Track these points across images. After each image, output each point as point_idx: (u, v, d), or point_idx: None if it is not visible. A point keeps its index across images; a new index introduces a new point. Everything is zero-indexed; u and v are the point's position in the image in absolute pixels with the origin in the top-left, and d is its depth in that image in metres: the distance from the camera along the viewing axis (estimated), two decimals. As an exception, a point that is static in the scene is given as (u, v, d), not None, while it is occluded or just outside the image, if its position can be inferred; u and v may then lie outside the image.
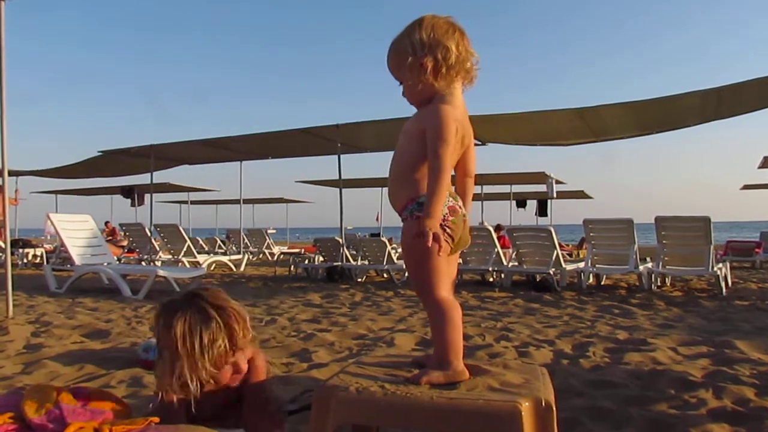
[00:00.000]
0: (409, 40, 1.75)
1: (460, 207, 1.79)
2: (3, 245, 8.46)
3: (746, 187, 17.27)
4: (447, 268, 1.76)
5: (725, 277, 8.10)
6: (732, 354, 3.89)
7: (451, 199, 1.75)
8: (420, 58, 1.73)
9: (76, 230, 8.77)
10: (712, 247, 7.80)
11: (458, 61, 1.75)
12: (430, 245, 1.63)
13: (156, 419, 1.77)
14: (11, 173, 11.68)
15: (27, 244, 14.61)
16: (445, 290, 1.75)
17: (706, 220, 7.78)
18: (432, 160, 1.68)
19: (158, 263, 12.16)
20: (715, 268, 7.71)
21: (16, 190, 15.48)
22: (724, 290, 7.68)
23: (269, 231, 20.84)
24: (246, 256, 14.24)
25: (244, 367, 1.98)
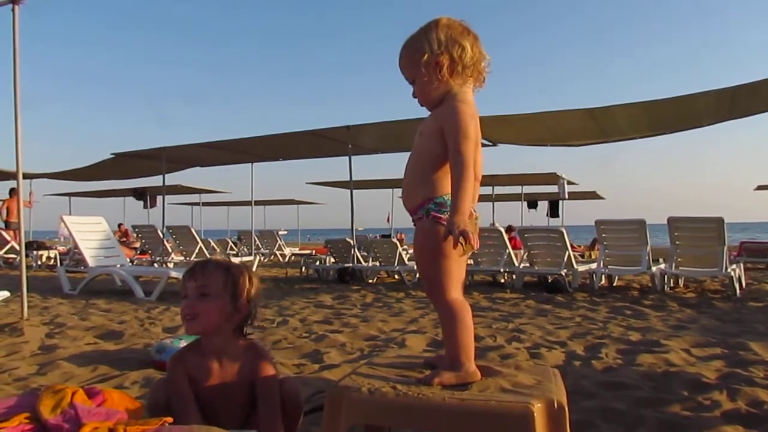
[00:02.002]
0: (426, 38, 1.76)
1: (475, 211, 1.79)
2: (17, 247, 8.54)
3: (760, 187, 17.10)
4: (458, 270, 1.77)
5: (739, 278, 8.04)
6: (746, 356, 3.86)
7: None
8: (436, 55, 1.75)
9: (90, 232, 8.83)
10: (725, 247, 7.74)
11: (473, 61, 1.77)
12: (460, 243, 1.63)
13: (169, 419, 1.78)
14: (25, 176, 11.80)
15: (41, 246, 14.71)
16: (456, 291, 1.75)
17: (720, 221, 7.72)
18: (455, 157, 1.68)
19: (171, 265, 12.21)
20: (729, 269, 7.65)
21: (30, 193, 15.65)
22: (737, 291, 7.61)
23: (280, 232, 20.88)
24: (257, 258, 14.28)
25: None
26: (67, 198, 21.82)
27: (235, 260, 13.41)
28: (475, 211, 1.80)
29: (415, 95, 1.85)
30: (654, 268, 8.22)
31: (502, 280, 9.45)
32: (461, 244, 1.61)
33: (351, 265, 10.37)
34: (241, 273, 2.02)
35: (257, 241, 18.50)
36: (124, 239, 16.27)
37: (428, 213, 1.74)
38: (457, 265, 1.76)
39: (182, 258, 13.09)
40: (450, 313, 1.73)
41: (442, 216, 1.72)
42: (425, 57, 1.75)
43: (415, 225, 1.83)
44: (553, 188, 16.02)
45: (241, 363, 2.02)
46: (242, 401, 2.03)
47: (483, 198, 19.33)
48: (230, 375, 2.00)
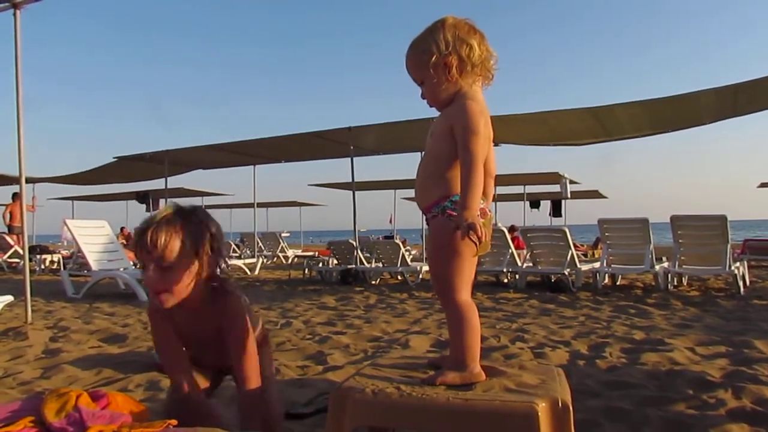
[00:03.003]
0: (433, 39, 1.75)
1: (489, 210, 1.79)
2: (21, 251, 8.56)
3: (763, 185, 17.06)
4: (470, 270, 1.76)
5: (743, 276, 8.02)
6: (751, 354, 3.85)
7: (481, 200, 1.72)
8: (445, 56, 1.74)
9: (93, 236, 8.85)
10: (729, 245, 7.72)
11: (481, 59, 1.77)
12: (466, 245, 1.61)
13: (174, 422, 1.78)
14: (28, 180, 11.80)
15: (44, 250, 14.74)
16: (466, 293, 1.74)
17: (723, 219, 7.70)
18: (464, 154, 1.67)
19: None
20: (733, 267, 7.64)
21: (33, 197, 15.70)
22: (741, 289, 7.60)
23: (283, 234, 20.88)
24: (260, 260, 14.29)
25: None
26: (70, 202, 21.88)
27: (238, 262, 13.44)
28: (489, 211, 1.79)
29: (423, 96, 1.84)
30: (657, 267, 8.21)
31: (506, 280, 9.45)
32: (474, 242, 1.61)
33: (354, 266, 10.37)
34: (195, 225, 1.87)
35: (260, 243, 18.50)
36: (127, 243, 16.29)
37: (444, 210, 1.74)
38: (470, 265, 1.75)
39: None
40: (458, 314, 1.73)
41: None
42: (434, 58, 1.74)
43: (428, 224, 1.82)
44: (555, 188, 16.00)
45: (214, 307, 1.98)
46: (218, 343, 2.01)
47: (488, 198, 19.28)
48: (204, 320, 1.98)
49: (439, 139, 1.78)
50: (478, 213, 1.65)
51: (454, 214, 1.70)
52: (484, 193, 1.78)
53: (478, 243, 1.63)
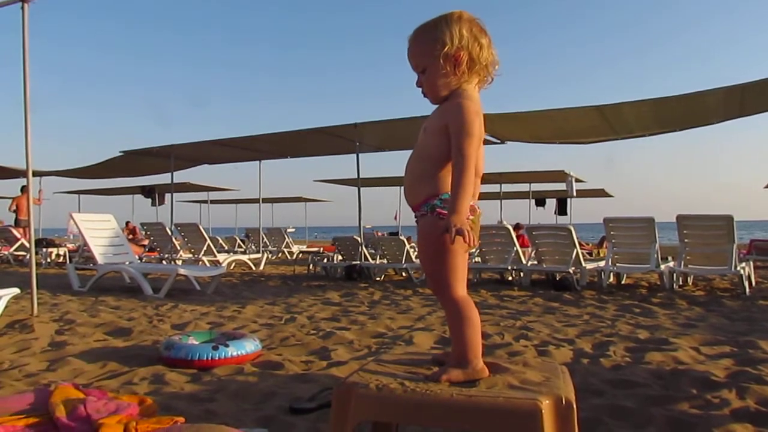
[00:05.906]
0: (448, 29, 1.72)
1: (478, 207, 1.78)
2: (27, 245, 8.59)
3: (770, 185, 16.97)
4: (463, 266, 1.76)
5: (749, 277, 7.99)
6: (755, 354, 3.84)
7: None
8: (457, 50, 1.71)
9: (99, 230, 8.88)
10: (735, 245, 7.69)
11: (486, 62, 1.75)
12: (457, 241, 1.61)
13: (181, 419, 1.79)
14: (35, 174, 11.83)
15: (51, 243, 14.79)
16: (462, 288, 1.74)
17: (729, 219, 7.67)
18: (456, 156, 1.66)
19: (179, 262, 12.26)
20: (738, 267, 7.60)
21: (39, 191, 15.74)
22: (747, 290, 7.57)
23: (288, 230, 20.90)
24: (265, 255, 14.31)
25: None
26: (77, 196, 21.97)
27: (243, 258, 13.46)
28: (478, 207, 1.79)
29: (419, 84, 1.81)
30: (663, 266, 8.18)
31: (510, 278, 9.44)
32: (462, 241, 1.61)
33: (358, 262, 10.38)
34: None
35: (265, 239, 18.53)
36: (133, 237, 16.34)
37: (433, 209, 1.73)
38: (462, 261, 1.75)
39: (190, 255, 13.13)
40: (456, 310, 1.73)
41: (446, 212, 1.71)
42: (446, 49, 1.71)
43: (417, 222, 1.81)
44: (561, 186, 15.98)
45: None
46: None
47: (491, 196, 19.31)
48: None
49: (432, 136, 1.76)
50: (468, 216, 1.65)
51: (444, 212, 1.70)
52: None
53: (471, 247, 1.63)
